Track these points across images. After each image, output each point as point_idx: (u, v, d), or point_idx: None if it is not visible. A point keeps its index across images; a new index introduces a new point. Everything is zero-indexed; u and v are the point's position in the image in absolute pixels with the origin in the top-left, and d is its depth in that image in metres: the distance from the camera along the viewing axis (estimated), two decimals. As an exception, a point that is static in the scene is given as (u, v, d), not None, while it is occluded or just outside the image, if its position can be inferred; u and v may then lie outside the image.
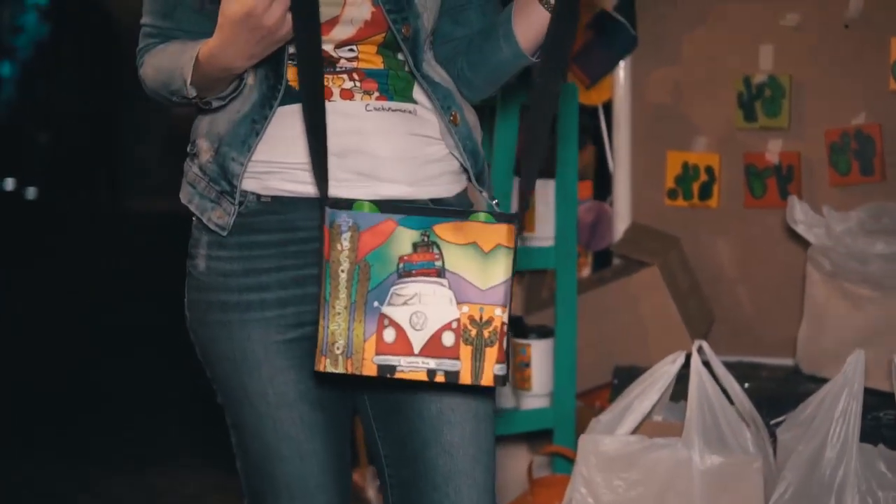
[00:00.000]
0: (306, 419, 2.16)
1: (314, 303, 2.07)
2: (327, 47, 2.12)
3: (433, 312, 1.93)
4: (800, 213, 3.34)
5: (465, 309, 1.92)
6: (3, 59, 16.75)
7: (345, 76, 2.13)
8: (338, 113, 2.10)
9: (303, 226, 2.12)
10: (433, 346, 1.92)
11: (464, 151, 2.17)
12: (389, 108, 2.14)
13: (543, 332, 3.61)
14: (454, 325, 1.92)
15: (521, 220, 1.97)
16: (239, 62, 2.02)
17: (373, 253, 1.94)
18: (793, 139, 3.67)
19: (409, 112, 2.16)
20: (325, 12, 2.07)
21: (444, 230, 1.95)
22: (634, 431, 3.03)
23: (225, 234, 2.12)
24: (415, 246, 1.95)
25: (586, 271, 3.95)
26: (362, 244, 1.94)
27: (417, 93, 2.17)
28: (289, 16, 1.95)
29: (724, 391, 3.04)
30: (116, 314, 7.78)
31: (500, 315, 1.92)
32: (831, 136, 3.60)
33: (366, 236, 1.95)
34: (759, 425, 3.02)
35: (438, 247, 1.94)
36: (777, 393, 3.26)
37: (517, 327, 3.58)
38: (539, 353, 3.57)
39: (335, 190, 2.07)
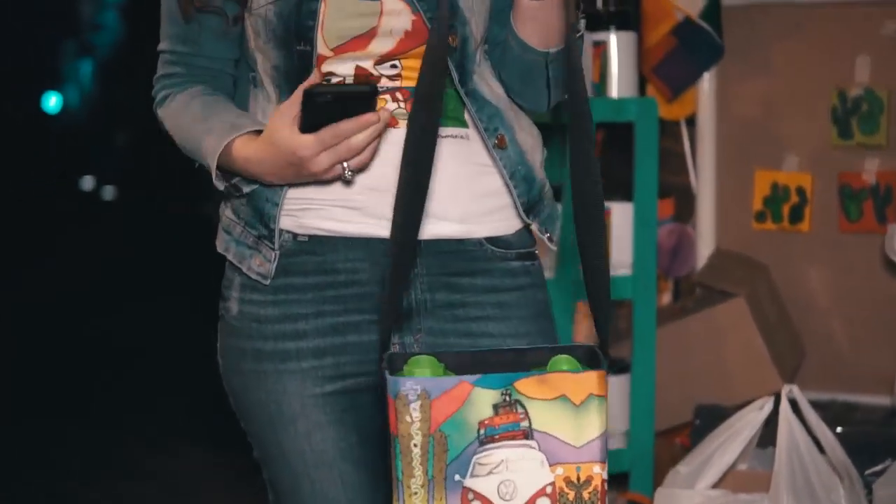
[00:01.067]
0: (347, 480, 2.03)
1: (355, 353, 1.97)
2: (366, 64, 1.96)
3: (523, 479, 1.73)
4: None
5: (560, 471, 1.72)
6: (83, 57, 16.91)
7: (387, 97, 1.97)
8: (380, 140, 1.93)
9: (342, 268, 1.98)
10: None
11: (511, 179, 2.01)
12: (439, 135, 1.94)
13: (619, 367, 3.45)
14: (549, 490, 1.73)
15: (606, 353, 1.80)
16: (271, 179, 1.94)
17: (448, 421, 1.73)
18: (891, 158, 3.54)
19: (462, 137, 2.01)
20: (361, 24, 1.94)
21: (526, 386, 1.73)
22: (717, 485, 2.81)
23: (267, 282, 2.00)
24: (495, 407, 1.73)
25: (666, 298, 3.78)
26: (435, 413, 1.73)
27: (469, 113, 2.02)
28: (335, 164, 1.86)
29: (815, 439, 2.88)
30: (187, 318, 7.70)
31: (599, 472, 1.73)
32: None
33: (438, 403, 1.73)
34: (853, 478, 2.87)
35: (523, 405, 1.73)
36: (873, 438, 3.11)
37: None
38: (614, 389, 3.38)
39: (378, 230, 1.95)
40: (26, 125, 15.37)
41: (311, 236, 1.98)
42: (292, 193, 1.97)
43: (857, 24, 3.54)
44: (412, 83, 1.94)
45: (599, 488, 1.72)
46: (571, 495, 1.72)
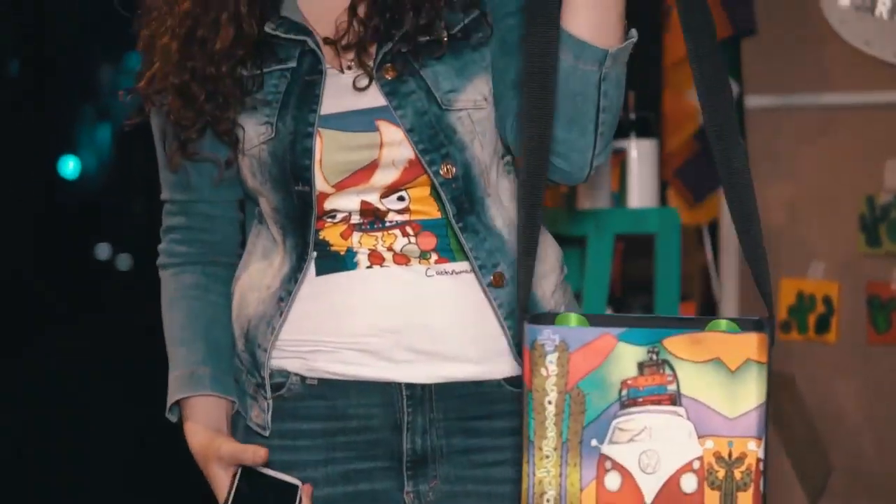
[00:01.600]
0: None
1: (367, 502, 1.88)
2: (370, 197, 1.89)
3: (668, 450, 1.58)
4: None
5: (710, 444, 1.56)
6: (102, 121, 16.95)
7: (397, 232, 1.89)
8: (393, 280, 1.88)
9: (354, 413, 1.90)
10: (670, 494, 1.56)
11: (507, 319, 1.91)
12: (453, 271, 1.91)
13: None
14: (696, 465, 1.56)
15: (772, 328, 1.59)
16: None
17: (587, 378, 1.60)
18: None
19: (465, 272, 1.91)
20: (361, 157, 1.87)
21: (677, 344, 1.58)
22: None
23: (267, 433, 1.93)
24: (641, 366, 1.59)
25: (686, 413, 3.67)
26: (573, 367, 1.60)
27: None
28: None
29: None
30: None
31: (754, 450, 1.54)
32: None
33: (577, 357, 1.60)
34: None
35: (671, 366, 1.58)
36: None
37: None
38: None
39: (389, 373, 1.86)
40: (44, 190, 15.46)
41: (320, 380, 1.91)
42: (292, 335, 1.91)
43: (887, 126, 3.59)
44: (421, 216, 1.89)
45: (754, 468, 1.55)
46: (721, 473, 1.57)
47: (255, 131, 1.89)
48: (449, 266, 1.89)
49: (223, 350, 1.98)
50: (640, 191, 3.31)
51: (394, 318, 1.88)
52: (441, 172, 1.87)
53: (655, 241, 3.25)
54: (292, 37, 1.89)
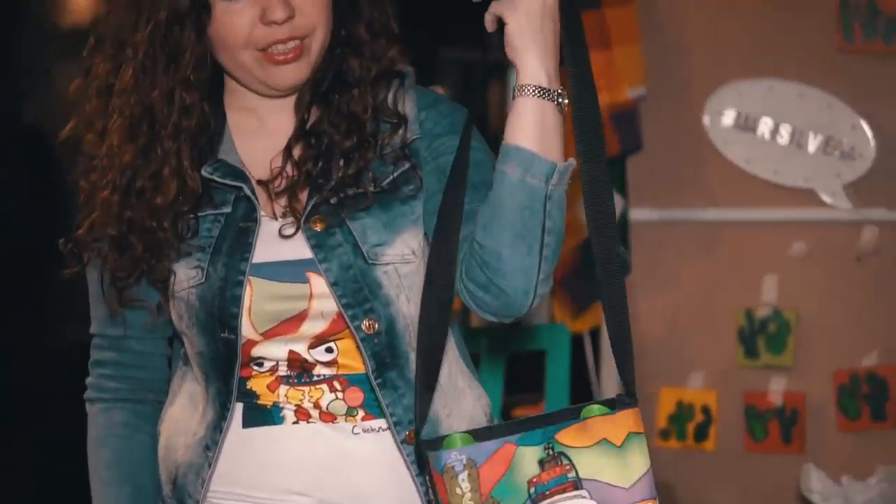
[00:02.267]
0: None
1: None
2: (298, 347, 1.90)
3: None
4: (816, 483, 3.32)
5: None
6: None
7: (324, 387, 1.91)
8: (318, 438, 1.90)
9: None
10: None
11: (418, 476, 1.92)
12: (379, 428, 1.92)
13: None
14: None
15: (631, 391, 1.87)
16: None
17: (498, 486, 1.74)
18: (798, 379, 3.63)
19: (381, 429, 1.94)
20: (290, 307, 1.89)
21: (567, 436, 1.76)
22: None
23: None
24: (541, 463, 1.75)
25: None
26: (484, 480, 1.74)
27: None
28: None
29: None
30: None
31: None
32: (840, 378, 3.58)
33: (485, 469, 1.75)
34: None
35: (567, 456, 1.75)
36: None
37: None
38: None
39: None
40: None
41: None
42: (220, 486, 1.92)
43: (766, 243, 3.65)
44: (348, 370, 1.91)
45: None
46: None
47: (185, 274, 1.90)
48: (375, 423, 1.91)
49: (147, 495, 1.97)
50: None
51: (318, 476, 1.90)
52: (363, 327, 1.88)
53: (546, 356, 3.36)
54: (228, 182, 1.91)
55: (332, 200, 1.90)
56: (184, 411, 1.98)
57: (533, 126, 1.81)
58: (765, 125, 3.61)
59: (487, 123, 6.05)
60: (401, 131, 1.95)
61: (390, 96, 1.97)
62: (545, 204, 1.80)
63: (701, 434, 3.68)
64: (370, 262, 1.88)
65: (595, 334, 3.77)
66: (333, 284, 1.87)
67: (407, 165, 1.93)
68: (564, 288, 3.66)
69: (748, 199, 3.65)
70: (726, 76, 3.65)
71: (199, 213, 1.92)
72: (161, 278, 1.93)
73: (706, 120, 3.66)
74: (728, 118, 3.65)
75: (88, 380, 2.06)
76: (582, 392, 3.76)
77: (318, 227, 1.89)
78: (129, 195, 1.92)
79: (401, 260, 1.90)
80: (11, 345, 9.25)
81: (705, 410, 3.67)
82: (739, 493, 3.67)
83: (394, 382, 1.90)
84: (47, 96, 11.04)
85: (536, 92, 1.79)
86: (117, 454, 2.00)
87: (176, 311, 1.93)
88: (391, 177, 1.93)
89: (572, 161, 1.83)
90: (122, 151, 1.91)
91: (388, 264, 1.90)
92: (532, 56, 1.80)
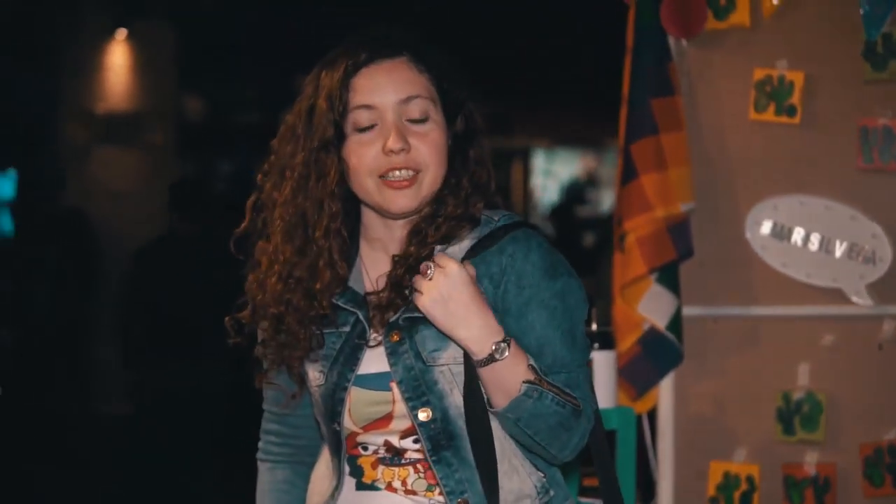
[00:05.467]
0: None
1: None
2: (392, 438, 2.26)
3: None
4: None
5: None
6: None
7: (410, 468, 2.27)
8: (405, 501, 2.26)
9: None
10: None
11: None
12: None
13: None
14: None
15: None
16: None
17: None
18: (829, 452, 3.80)
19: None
20: (379, 410, 2.25)
21: None
22: None
23: None
24: None
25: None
26: None
27: None
28: None
29: None
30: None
31: None
32: (865, 450, 3.75)
33: None
34: None
35: None
36: None
37: None
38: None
39: None
40: None
41: None
42: None
43: (800, 335, 3.84)
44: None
45: None
46: None
47: (314, 377, 2.29)
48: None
49: None
50: (601, 393, 3.77)
51: None
52: (419, 416, 2.22)
53: (616, 436, 3.66)
54: (350, 308, 2.27)
55: (402, 319, 2.24)
56: (321, 474, 2.36)
57: (488, 387, 2.17)
58: (797, 234, 3.80)
59: (510, 205, 6.24)
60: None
61: (457, 232, 2.27)
62: (515, 423, 2.17)
63: (746, 501, 3.85)
64: (427, 364, 2.22)
65: (651, 415, 4.03)
66: (399, 383, 2.22)
67: None
68: (625, 376, 3.93)
69: (784, 297, 3.83)
70: (763, 192, 3.84)
71: (326, 331, 2.29)
72: (296, 372, 2.30)
73: (747, 230, 3.85)
74: (766, 228, 3.83)
75: (259, 444, 2.45)
76: (641, 464, 4.08)
77: (395, 339, 2.24)
78: (290, 283, 2.27)
79: (453, 361, 2.22)
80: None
81: (749, 480, 3.85)
82: (779, 555, 3.83)
83: (448, 460, 2.22)
84: (86, 179, 11.46)
85: (479, 363, 2.16)
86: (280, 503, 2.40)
87: (311, 401, 2.34)
88: None
89: (517, 397, 2.16)
90: (284, 249, 2.26)
91: (443, 365, 2.22)
92: (461, 334, 2.16)
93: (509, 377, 2.15)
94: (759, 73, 3.86)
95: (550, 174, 16.40)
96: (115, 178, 11.31)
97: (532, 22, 11.31)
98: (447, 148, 2.26)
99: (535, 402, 2.15)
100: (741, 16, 3.87)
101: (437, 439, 2.22)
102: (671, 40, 3.92)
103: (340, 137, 2.24)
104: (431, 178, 2.24)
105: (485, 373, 2.15)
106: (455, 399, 2.22)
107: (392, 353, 2.23)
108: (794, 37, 3.85)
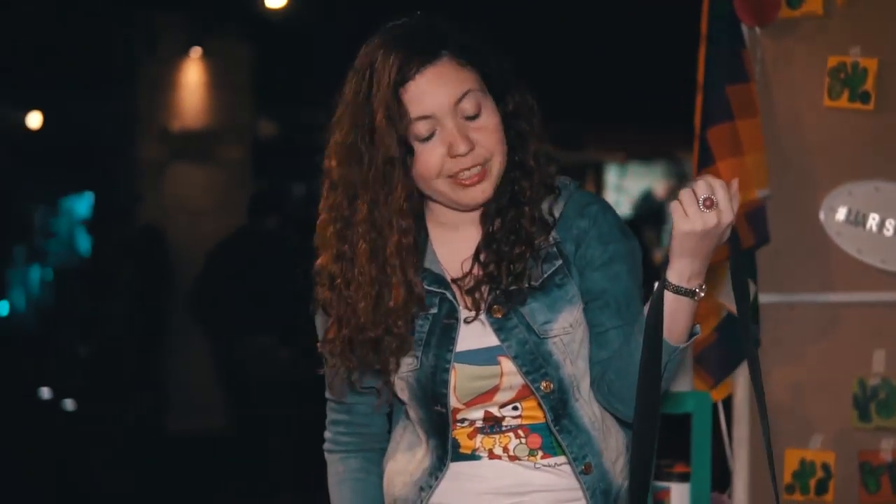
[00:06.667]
0: None
1: None
2: (493, 409, 2.32)
3: None
4: None
5: None
6: (34, 263, 16.99)
7: (511, 434, 2.33)
8: (508, 470, 2.31)
9: None
10: None
11: (591, 498, 2.31)
12: (556, 465, 2.33)
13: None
14: None
15: None
16: None
17: None
18: None
19: (558, 465, 2.34)
20: (485, 384, 2.30)
21: None
22: None
23: None
24: None
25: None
26: None
27: None
28: None
29: None
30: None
31: None
32: None
33: None
34: None
35: None
36: None
37: None
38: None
39: None
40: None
41: None
42: None
43: (875, 321, 3.80)
44: (530, 420, 2.32)
45: None
46: None
47: (405, 363, 2.31)
48: (552, 461, 2.32)
49: None
50: (678, 378, 3.80)
51: (507, 498, 2.30)
52: (542, 388, 2.28)
53: (692, 419, 3.71)
54: (434, 289, 2.31)
55: (504, 294, 2.29)
56: (404, 458, 2.38)
57: (676, 321, 2.17)
58: (872, 220, 3.79)
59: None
60: (552, 234, 2.32)
61: (545, 205, 2.34)
62: (663, 369, 2.20)
63: (821, 488, 3.85)
64: (541, 336, 2.27)
65: (727, 403, 4.02)
66: (514, 357, 2.26)
67: (559, 263, 2.32)
68: (702, 363, 3.93)
69: (860, 283, 3.81)
70: (838, 179, 3.82)
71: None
72: (386, 370, 2.33)
73: (822, 216, 3.83)
74: (840, 214, 3.82)
75: (326, 434, 2.48)
76: (717, 452, 4.10)
77: (499, 315, 2.29)
78: (380, 304, 2.30)
79: (563, 332, 2.29)
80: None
81: (825, 468, 3.84)
82: (857, 540, 3.82)
83: (568, 427, 2.30)
84: (162, 196, 11.61)
85: (675, 289, 2.15)
86: (357, 493, 2.42)
87: (398, 388, 2.35)
88: (546, 274, 2.31)
89: (692, 340, 2.20)
90: (370, 269, 2.30)
91: (555, 336, 2.29)
92: (685, 262, 2.15)
93: (689, 319, 2.18)
94: (832, 61, 3.87)
95: (622, 189, 16.39)
96: (190, 196, 11.44)
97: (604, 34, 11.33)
98: (503, 129, 2.32)
99: (685, 351, 2.21)
100: (814, 3, 3.88)
101: (557, 409, 2.28)
102: (744, 28, 3.93)
103: (405, 150, 2.29)
104: (499, 164, 2.30)
105: (683, 305, 2.16)
106: (568, 369, 2.28)
107: (500, 329, 2.27)
108: (868, 24, 3.86)
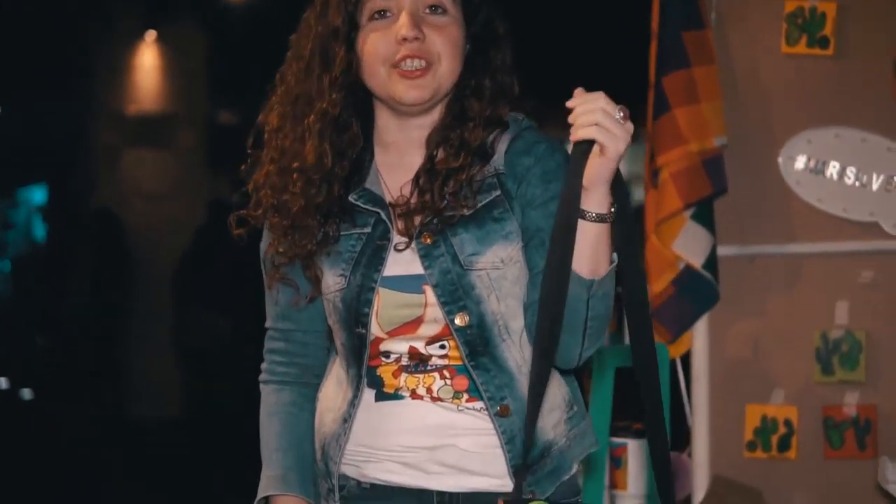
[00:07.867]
0: None
1: None
2: (417, 344, 2.22)
3: None
4: (892, 473, 3.33)
5: None
6: (-9, 255, 16.79)
7: (435, 374, 2.23)
8: (430, 410, 2.22)
9: None
10: None
11: (507, 444, 2.20)
12: (481, 409, 2.22)
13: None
14: None
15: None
16: None
17: None
18: (870, 392, 3.79)
19: (481, 409, 2.23)
20: (409, 313, 2.20)
21: None
22: None
23: None
24: None
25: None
26: None
27: None
28: None
29: None
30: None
31: None
32: None
33: None
34: None
35: None
36: None
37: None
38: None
39: (424, 482, 2.20)
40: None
41: (371, 484, 2.25)
42: (351, 447, 2.25)
43: (837, 272, 3.83)
44: (457, 361, 2.21)
45: None
46: None
47: (332, 280, 2.22)
48: (477, 404, 2.21)
49: (308, 461, 2.29)
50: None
51: (429, 439, 2.20)
52: (457, 321, 2.17)
53: None
54: (369, 207, 2.22)
55: (437, 220, 2.18)
56: (333, 392, 2.30)
57: (587, 248, 2.03)
58: (833, 168, 3.78)
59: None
60: (490, 166, 2.21)
61: (490, 137, 2.23)
62: (588, 302, 2.07)
63: (784, 445, 3.82)
64: (465, 268, 2.16)
65: (685, 359, 3.97)
66: (435, 286, 2.16)
67: (497, 193, 2.21)
68: (659, 318, 3.85)
69: (820, 233, 3.81)
70: (797, 126, 3.81)
71: (343, 232, 2.23)
72: (310, 269, 2.24)
73: (781, 165, 3.82)
74: (800, 163, 3.81)
75: (263, 365, 2.37)
76: (675, 408, 4.05)
77: (427, 241, 2.18)
78: (290, 170, 2.23)
79: (491, 266, 2.17)
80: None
81: (787, 423, 3.81)
82: (820, 497, 3.81)
83: (486, 366, 2.18)
84: (116, 180, 11.48)
85: (596, 217, 2.02)
86: (286, 426, 2.31)
87: (327, 309, 2.26)
88: (483, 202, 2.20)
89: (614, 262, 2.04)
90: (283, 136, 2.24)
91: (480, 269, 2.17)
92: (604, 188, 2.01)
93: (607, 246, 2.06)
94: (790, 6, 3.82)
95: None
96: (147, 180, 11.32)
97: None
98: (463, 46, 2.23)
99: (611, 279, 2.08)
100: (770, -53, 3.80)
101: (474, 344, 2.18)
102: (699, -28, 3.85)
103: (353, 27, 2.22)
104: (445, 71, 2.21)
105: (598, 231, 2.04)
106: (492, 305, 2.17)
107: (426, 256, 2.19)
108: (825, -33, 3.80)
